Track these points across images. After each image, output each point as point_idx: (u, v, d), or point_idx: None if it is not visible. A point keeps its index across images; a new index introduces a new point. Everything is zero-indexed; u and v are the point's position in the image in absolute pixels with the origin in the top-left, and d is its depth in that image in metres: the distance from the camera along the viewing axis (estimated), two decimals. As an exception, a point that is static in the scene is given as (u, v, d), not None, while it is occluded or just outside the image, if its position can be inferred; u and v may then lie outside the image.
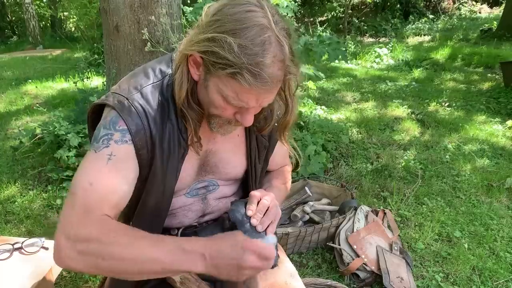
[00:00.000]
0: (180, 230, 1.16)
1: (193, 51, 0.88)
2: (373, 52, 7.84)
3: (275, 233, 1.01)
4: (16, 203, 2.77)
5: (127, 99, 0.95)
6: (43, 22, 14.44)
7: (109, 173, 0.91)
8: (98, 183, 0.89)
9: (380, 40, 10.07)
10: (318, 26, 10.01)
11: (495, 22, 9.99)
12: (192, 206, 1.15)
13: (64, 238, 0.85)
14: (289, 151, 1.20)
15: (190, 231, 1.16)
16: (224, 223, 1.03)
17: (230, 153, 1.13)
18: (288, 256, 1.96)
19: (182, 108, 0.96)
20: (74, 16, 10.78)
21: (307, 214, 2.38)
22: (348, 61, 7.31)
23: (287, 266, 1.09)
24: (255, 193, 1.01)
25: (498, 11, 12.12)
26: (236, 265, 0.84)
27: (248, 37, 0.81)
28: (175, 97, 0.95)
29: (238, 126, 1.01)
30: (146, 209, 1.05)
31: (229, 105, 0.91)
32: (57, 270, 1.37)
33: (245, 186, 1.24)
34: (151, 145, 0.97)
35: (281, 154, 1.35)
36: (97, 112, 1.01)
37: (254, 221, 0.96)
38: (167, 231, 1.16)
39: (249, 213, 0.98)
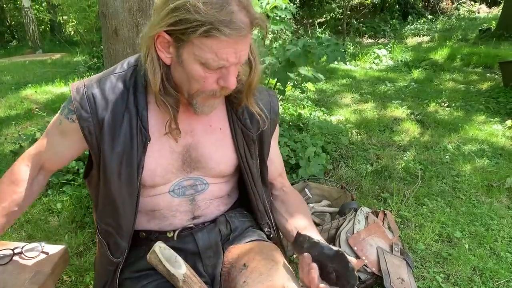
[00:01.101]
0: (176, 232, 1.15)
1: (159, 29, 0.90)
2: (372, 53, 7.86)
3: None
4: (16, 207, 2.76)
5: (84, 86, 1.03)
6: (43, 26, 14.47)
7: (54, 132, 1.12)
8: (46, 135, 1.14)
9: (379, 41, 10.08)
10: (317, 27, 10.04)
11: (493, 22, 10.00)
12: (179, 207, 1.14)
13: None
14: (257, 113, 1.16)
15: (186, 232, 1.16)
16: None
17: (212, 147, 1.12)
18: (289, 258, 1.96)
19: (159, 95, 0.97)
20: (73, 20, 10.79)
21: (307, 216, 2.37)
22: (347, 63, 7.32)
23: (285, 269, 1.08)
24: None
25: (496, 11, 12.14)
26: None
27: None
28: (151, 86, 0.96)
29: (224, 95, 1.03)
30: (106, 199, 1.07)
31: (209, 72, 0.93)
32: (57, 275, 1.37)
33: (243, 186, 1.23)
34: (100, 133, 1.01)
35: (279, 159, 1.34)
36: None
37: None
38: (163, 233, 1.15)
39: None
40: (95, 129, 1.01)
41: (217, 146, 1.13)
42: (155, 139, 1.04)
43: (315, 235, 1.12)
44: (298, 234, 1.11)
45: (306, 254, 1.05)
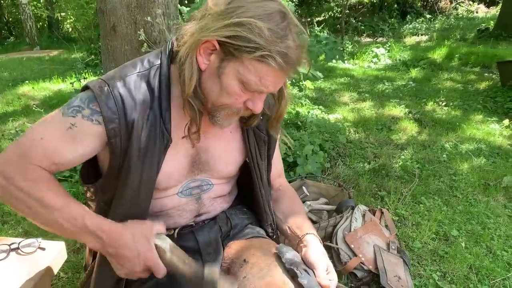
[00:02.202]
0: (177, 230, 1.15)
1: (214, 36, 0.89)
2: (371, 52, 7.86)
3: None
4: (13, 204, 2.76)
5: (108, 85, 0.97)
6: (40, 23, 14.42)
7: (63, 138, 0.96)
8: (48, 142, 0.96)
9: (377, 40, 10.09)
10: (316, 26, 10.03)
11: (492, 22, 10.01)
12: (186, 206, 1.14)
13: None
14: (283, 139, 1.20)
15: (187, 230, 1.16)
16: None
17: (221, 150, 1.13)
18: (286, 256, 1.97)
19: (188, 98, 0.95)
20: (71, 17, 10.77)
21: (305, 213, 2.38)
22: (346, 61, 7.32)
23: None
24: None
25: (495, 10, 12.16)
26: (121, 261, 0.95)
27: (274, 22, 0.86)
28: (184, 86, 0.94)
29: (245, 115, 1.04)
30: (123, 202, 1.03)
31: (244, 92, 0.94)
32: (54, 271, 1.37)
33: (249, 185, 1.23)
34: (126, 134, 0.97)
35: (279, 159, 1.35)
36: None
37: None
38: None
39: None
40: (121, 130, 0.96)
41: (226, 149, 1.14)
42: (174, 142, 1.03)
43: (310, 230, 1.16)
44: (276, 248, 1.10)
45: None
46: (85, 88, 1.02)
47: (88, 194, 1.18)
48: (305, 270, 1.04)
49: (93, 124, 0.96)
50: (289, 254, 1.08)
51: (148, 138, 0.98)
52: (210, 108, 0.99)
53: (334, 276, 1.07)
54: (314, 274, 1.05)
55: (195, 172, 1.11)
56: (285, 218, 1.24)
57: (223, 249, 1.18)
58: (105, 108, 0.95)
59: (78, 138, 0.97)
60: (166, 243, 1.02)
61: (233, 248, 1.17)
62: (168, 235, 1.14)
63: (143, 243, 0.96)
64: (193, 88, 0.94)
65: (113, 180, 1.03)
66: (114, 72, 1.02)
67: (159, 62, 1.01)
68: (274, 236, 1.28)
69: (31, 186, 0.93)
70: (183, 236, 1.15)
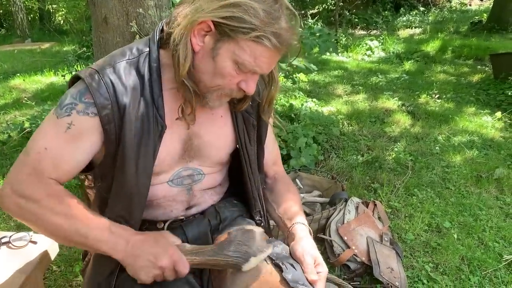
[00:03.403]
0: (167, 223, 1.14)
1: (210, 17, 0.89)
2: (364, 45, 7.84)
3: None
4: (5, 197, 2.74)
5: (98, 72, 0.97)
6: (31, 15, 14.24)
7: (65, 141, 0.95)
8: (53, 149, 0.95)
9: (371, 32, 10.06)
10: (310, 18, 10.00)
11: (485, 15, 10.03)
12: (176, 197, 1.13)
13: (10, 189, 0.94)
14: (275, 122, 1.21)
15: (176, 225, 1.14)
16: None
17: (213, 135, 1.12)
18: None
19: (182, 80, 0.95)
20: (63, 9, 10.66)
21: (298, 206, 2.38)
22: (339, 54, 7.30)
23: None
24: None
25: (488, 3, 12.17)
26: (151, 262, 0.93)
27: (268, 4, 0.88)
28: (178, 68, 0.94)
29: (237, 97, 1.04)
30: (121, 190, 1.02)
31: (238, 73, 0.95)
32: (46, 264, 1.36)
33: (239, 172, 1.22)
34: (119, 120, 0.97)
35: (274, 146, 1.34)
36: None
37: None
38: (153, 223, 1.14)
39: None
40: (115, 116, 0.96)
41: (217, 134, 1.13)
42: (168, 128, 1.02)
43: (300, 220, 1.17)
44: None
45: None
46: (75, 77, 1.01)
47: (87, 182, 1.17)
48: (292, 265, 1.03)
49: (90, 117, 0.95)
50: (277, 248, 1.08)
51: (142, 125, 0.98)
52: (203, 89, 0.99)
53: (323, 267, 1.07)
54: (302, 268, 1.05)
55: (186, 159, 1.10)
56: (278, 208, 1.24)
57: (213, 242, 1.18)
58: (98, 94, 0.95)
59: (79, 136, 0.96)
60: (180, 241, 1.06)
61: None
62: (157, 229, 1.14)
63: (165, 242, 0.99)
64: (187, 69, 0.94)
65: (110, 168, 1.02)
66: (103, 61, 1.01)
67: (147, 49, 1.01)
68: (262, 224, 1.28)
69: (53, 201, 0.93)
70: (172, 231, 1.14)
